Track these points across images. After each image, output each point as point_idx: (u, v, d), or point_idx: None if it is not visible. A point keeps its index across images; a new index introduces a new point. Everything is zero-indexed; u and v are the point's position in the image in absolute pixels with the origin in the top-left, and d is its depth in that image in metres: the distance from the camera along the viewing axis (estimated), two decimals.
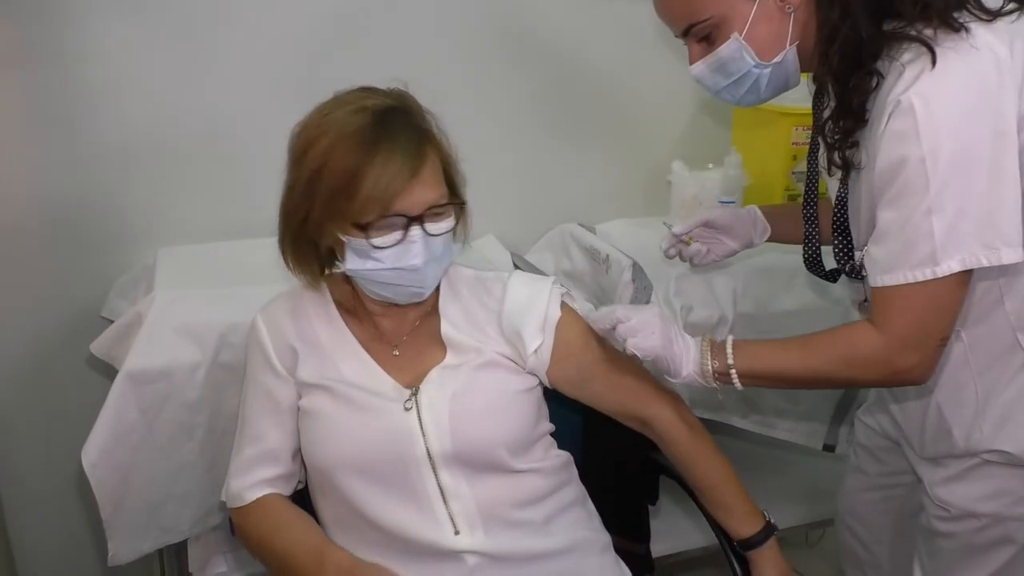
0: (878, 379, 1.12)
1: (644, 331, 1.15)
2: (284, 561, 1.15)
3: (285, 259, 1.19)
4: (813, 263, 1.29)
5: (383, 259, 1.10)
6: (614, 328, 1.17)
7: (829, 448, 1.88)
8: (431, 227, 1.11)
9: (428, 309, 1.24)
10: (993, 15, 1.01)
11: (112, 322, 1.58)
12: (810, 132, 1.31)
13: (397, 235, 1.09)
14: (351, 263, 1.12)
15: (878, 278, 1.05)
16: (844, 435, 1.87)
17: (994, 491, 1.17)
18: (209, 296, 1.52)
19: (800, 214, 1.32)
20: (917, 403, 1.23)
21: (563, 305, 1.26)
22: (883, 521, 1.40)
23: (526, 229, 2.04)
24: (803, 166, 1.33)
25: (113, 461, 1.38)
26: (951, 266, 0.99)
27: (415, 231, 1.09)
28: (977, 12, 1.01)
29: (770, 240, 1.45)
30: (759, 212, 1.44)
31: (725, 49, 1.12)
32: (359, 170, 1.06)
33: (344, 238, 1.10)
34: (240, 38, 1.74)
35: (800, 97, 1.61)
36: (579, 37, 1.97)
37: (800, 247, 1.33)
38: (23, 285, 1.74)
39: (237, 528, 1.23)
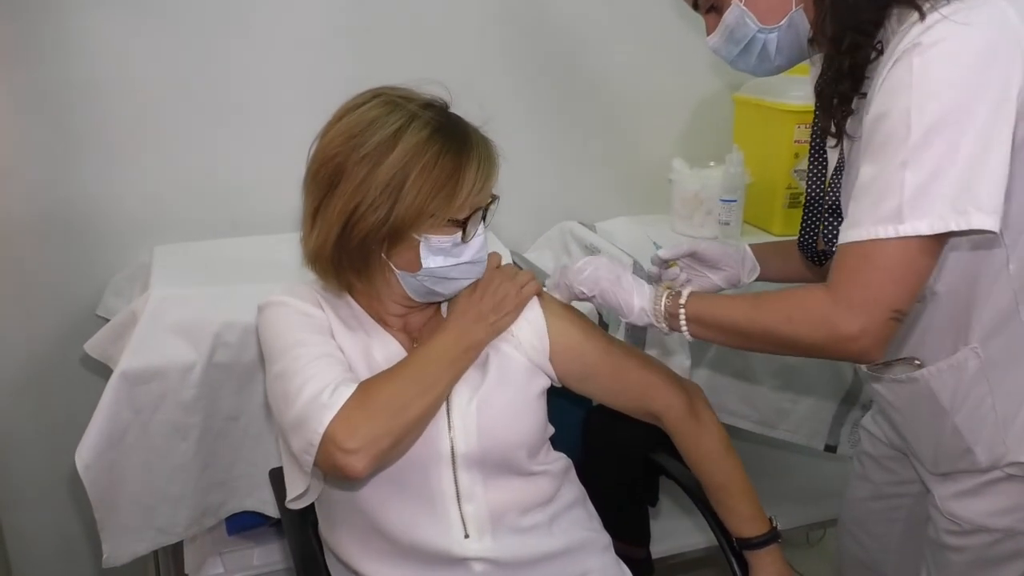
0: (820, 341, 1.02)
1: (588, 270, 1.19)
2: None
3: (326, 267, 1.14)
4: (807, 245, 1.26)
5: (460, 254, 1.13)
6: (567, 283, 1.21)
7: (831, 449, 1.87)
8: (487, 218, 1.16)
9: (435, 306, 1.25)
10: None
11: (108, 320, 1.57)
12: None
13: (473, 228, 1.13)
14: (429, 262, 1.11)
15: (844, 234, 1.00)
16: (846, 435, 1.86)
17: (1009, 506, 1.14)
18: (204, 295, 1.51)
19: (790, 251, 1.32)
20: (928, 422, 1.18)
21: (543, 296, 1.25)
22: (889, 530, 1.38)
23: (526, 227, 2.03)
24: (805, 164, 1.31)
25: (107, 462, 1.37)
26: (917, 227, 0.93)
27: (481, 225, 1.14)
28: None
29: (759, 279, 1.41)
30: (749, 251, 1.39)
31: (729, 16, 1.13)
32: (458, 168, 1.09)
33: (421, 237, 1.10)
34: (241, 33, 1.73)
35: (803, 95, 1.61)
36: (579, 34, 1.96)
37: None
38: (17, 283, 1.73)
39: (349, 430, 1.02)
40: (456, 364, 1.14)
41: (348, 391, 1.04)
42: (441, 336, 1.15)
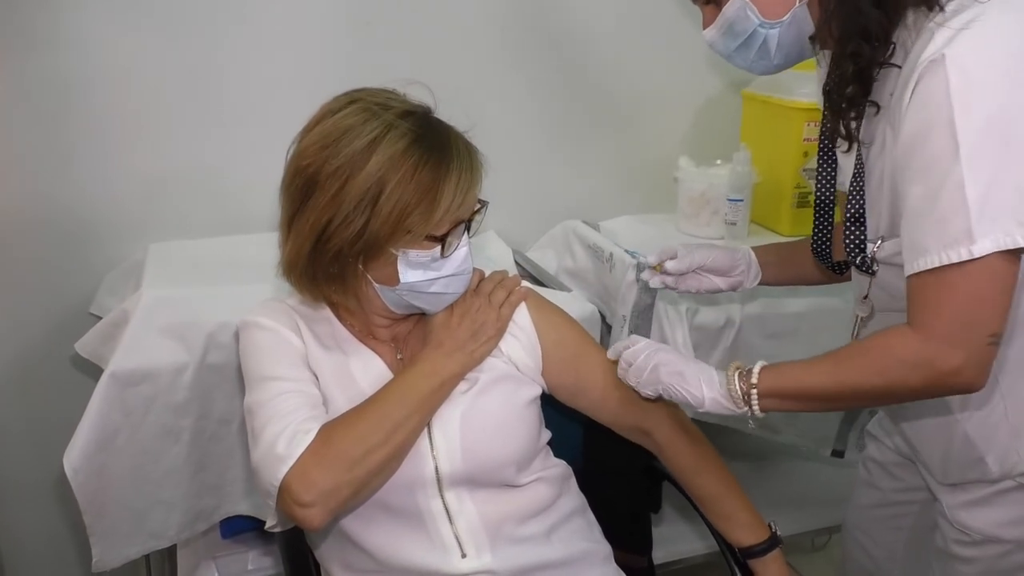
0: (922, 385, 0.96)
1: (648, 369, 1.10)
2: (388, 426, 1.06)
3: (300, 279, 1.12)
4: (822, 253, 1.22)
5: (440, 268, 1.09)
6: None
7: (838, 454, 1.85)
8: (472, 228, 1.13)
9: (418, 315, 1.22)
10: None
11: (100, 319, 1.54)
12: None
13: (454, 241, 1.09)
14: (407, 276, 1.08)
15: (910, 264, 0.94)
16: (853, 440, 1.83)
17: (1020, 516, 1.12)
18: (197, 295, 1.48)
19: (792, 257, 1.30)
20: (937, 430, 1.16)
21: (532, 303, 1.23)
22: (895, 537, 1.37)
23: (528, 226, 2.01)
24: (814, 163, 1.28)
25: (96, 465, 1.35)
26: (986, 246, 0.88)
27: (465, 235, 1.10)
28: None
29: (761, 283, 1.38)
30: (754, 257, 1.36)
31: (729, 8, 1.09)
32: (435, 184, 1.04)
33: (399, 251, 1.06)
34: (237, 32, 1.71)
35: (811, 92, 1.57)
36: (584, 31, 1.93)
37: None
38: (9, 280, 1.71)
39: (307, 482, 1.00)
40: (426, 403, 1.09)
41: (307, 440, 1.02)
42: (412, 371, 1.10)
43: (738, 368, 1.07)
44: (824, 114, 1.11)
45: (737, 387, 1.05)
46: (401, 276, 1.08)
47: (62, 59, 1.62)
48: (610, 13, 1.92)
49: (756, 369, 1.05)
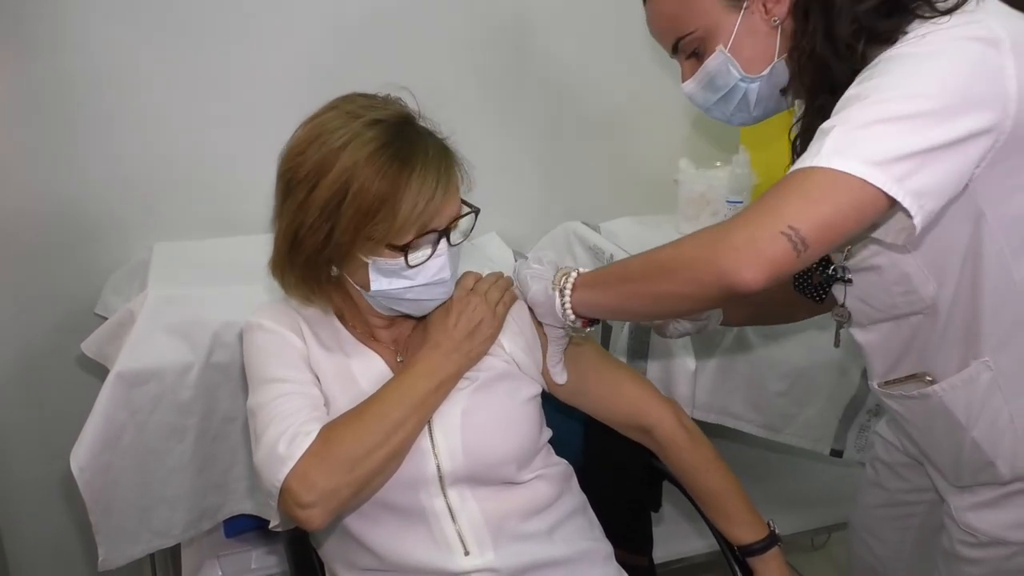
0: (697, 256, 0.93)
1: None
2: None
3: (284, 280, 1.14)
4: (803, 283, 1.21)
5: (413, 276, 1.08)
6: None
7: (836, 453, 1.85)
8: (453, 237, 1.11)
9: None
10: (949, 11, 0.94)
11: (106, 319, 1.55)
12: None
13: (427, 251, 1.08)
14: (377, 284, 1.08)
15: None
16: (852, 440, 1.84)
17: None
18: (203, 295, 1.49)
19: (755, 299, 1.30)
20: (946, 437, 1.15)
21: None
22: (901, 537, 1.36)
23: (529, 227, 2.01)
24: None
25: (102, 464, 1.36)
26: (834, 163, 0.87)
27: (443, 244, 1.09)
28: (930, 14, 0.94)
29: (731, 324, 1.39)
30: None
31: (711, 62, 1.10)
32: (395, 192, 1.03)
33: (369, 259, 1.07)
34: (241, 37, 1.72)
35: None
36: (583, 33, 1.94)
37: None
38: (15, 280, 1.72)
39: (306, 483, 1.01)
40: (425, 403, 1.10)
41: (307, 441, 1.03)
42: (410, 372, 1.11)
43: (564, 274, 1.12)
44: (792, 160, 1.11)
45: (559, 279, 1.10)
46: (372, 283, 1.08)
47: (67, 61, 1.63)
48: (611, 17, 1.92)
49: (581, 269, 1.11)
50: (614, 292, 1.07)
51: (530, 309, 1.19)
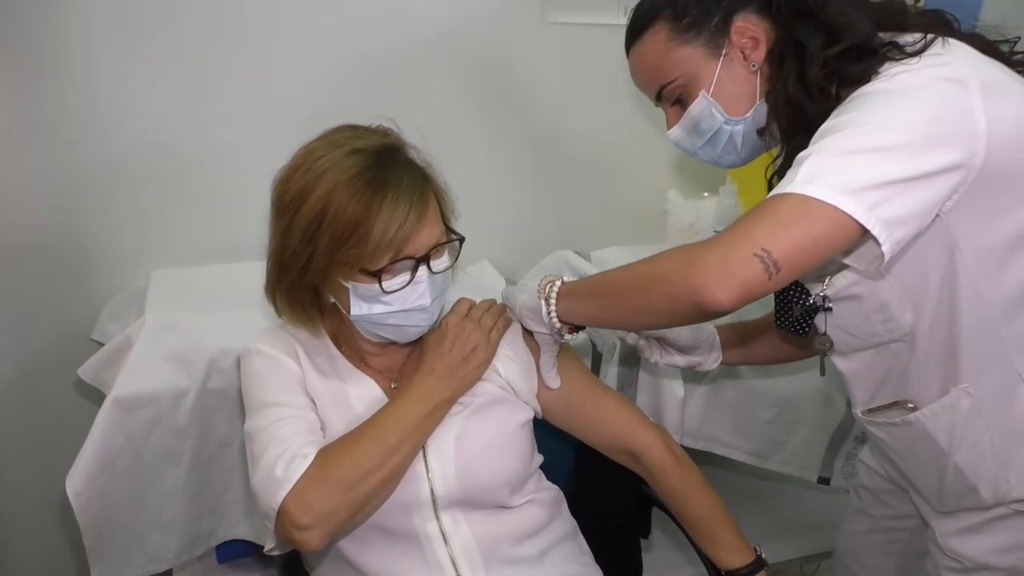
0: (674, 271, 0.96)
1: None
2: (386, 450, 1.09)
3: (275, 304, 1.17)
4: (784, 317, 1.19)
5: (391, 302, 1.10)
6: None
7: (824, 481, 1.86)
8: (435, 265, 1.12)
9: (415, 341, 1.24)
10: (918, 53, 0.98)
11: (102, 345, 1.56)
12: None
13: (405, 277, 1.10)
14: (357, 309, 1.11)
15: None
16: (839, 467, 1.85)
17: (1013, 543, 1.12)
18: (199, 321, 1.51)
19: (756, 334, 1.33)
20: (929, 463, 1.16)
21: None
22: (886, 563, 1.37)
23: (521, 255, 2.03)
24: None
25: (98, 488, 1.37)
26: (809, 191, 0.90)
27: (422, 271, 1.10)
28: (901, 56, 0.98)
29: (724, 364, 1.41)
30: (718, 339, 1.38)
31: (695, 107, 1.13)
32: (368, 217, 1.05)
33: (348, 284, 1.09)
34: (238, 61, 1.74)
35: None
36: (573, 65, 1.97)
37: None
38: (12, 306, 1.73)
39: (304, 505, 1.02)
40: (420, 428, 1.11)
41: (305, 464, 1.04)
42: (405, 397, 1.13)
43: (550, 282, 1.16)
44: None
45: (544, 287, 1.14)
46: (352, 308, 1.11)
47: (67, 90, 1.64)
48: (599, 56, 1.93)
49: (566, 278, 1.14)
50: (596, 304, 1.10)
51: (523, 327, 1.22)
